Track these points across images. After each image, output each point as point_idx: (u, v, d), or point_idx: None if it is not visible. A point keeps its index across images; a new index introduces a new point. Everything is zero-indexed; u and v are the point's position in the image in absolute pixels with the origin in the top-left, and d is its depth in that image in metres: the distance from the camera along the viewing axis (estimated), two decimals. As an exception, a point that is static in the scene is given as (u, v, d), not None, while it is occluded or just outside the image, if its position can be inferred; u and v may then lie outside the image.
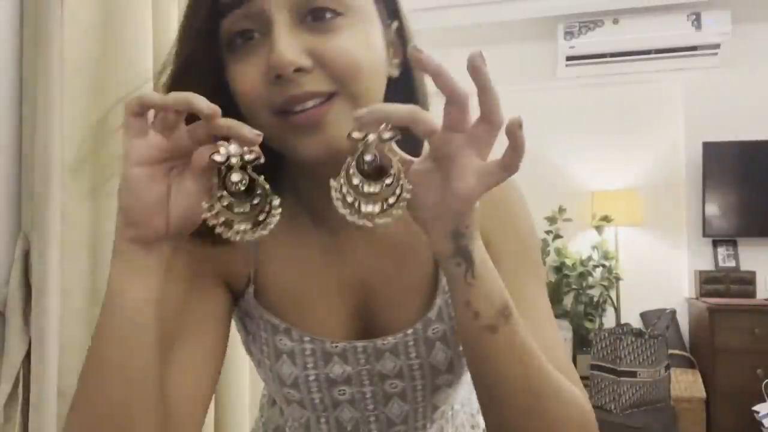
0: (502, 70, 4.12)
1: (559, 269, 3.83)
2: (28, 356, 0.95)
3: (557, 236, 3.88)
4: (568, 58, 3.69)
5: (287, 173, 0.60)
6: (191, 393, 0.57)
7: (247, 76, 0.51)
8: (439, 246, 0.47)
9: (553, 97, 4.05)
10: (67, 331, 1.02)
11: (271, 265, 0.63)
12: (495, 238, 0.59)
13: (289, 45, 0.48)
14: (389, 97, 0.54)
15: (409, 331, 0.62)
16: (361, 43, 0.51)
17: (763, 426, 2.44)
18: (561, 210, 3.89)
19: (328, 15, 0.50)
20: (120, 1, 1.15)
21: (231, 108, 0.50)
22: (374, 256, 0.61)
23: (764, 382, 2.92)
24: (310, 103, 0.49)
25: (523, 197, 0.63)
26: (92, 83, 1.11)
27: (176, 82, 0.53)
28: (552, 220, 3.89)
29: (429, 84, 0.50)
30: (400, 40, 0.57)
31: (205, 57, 0.52)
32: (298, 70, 0.48)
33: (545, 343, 0.53)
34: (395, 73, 0.56)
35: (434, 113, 0.48)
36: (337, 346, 0.63)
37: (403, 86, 0.57)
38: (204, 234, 0.51)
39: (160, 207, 0.47)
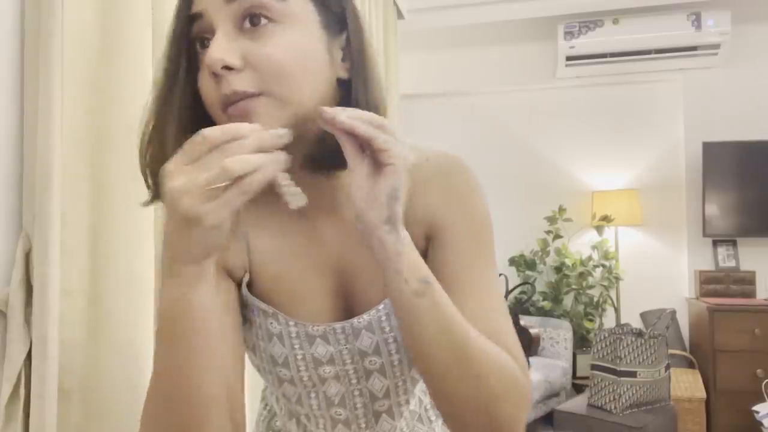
0: (502, 70, 4.15)
1: (559, 269, 3.84)
2: (29, 356, 0.95)
3: (557, 236, 3.89)
4: (568, 58, 3.69)
5: None
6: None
7: (203, 78, 0.59)
8: (379, 212, 0.54)
9: (553, 97, 4.05)
10: (68, 331, 1.03)
11: (259, 255, 0.69)
12: (449, 223, 0.66)
13: (221, 46, 0.55)
14: (342, 94, 0.62)
15: (381, 306, 0.68)
16: (291, 50, 0.57)
17: (763, 426, 2.45)
18: (561, 210, 3.89)
19: (263, 21, 0.56)
20: (120, 0, 1.15)
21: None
22: (347, 240, 0.68)
23: (764, 382, 2.93)
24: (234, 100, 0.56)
25: (478, 185, 0.68)
26: (92, 83, 1.11)
27: (167, 77, 0.61)
28: (552, 220, 3.90)
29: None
30: (350, 46, 0.63)
31: (183, 60, 0.60)
32: (227, 68, 0.55)
33: (487, 314, 0.63)
34: (344, 75, 0.63)
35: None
36: (318, 329, 0.68)
37: (355, 87, 0.63)
38: None
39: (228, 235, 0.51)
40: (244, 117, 0.56)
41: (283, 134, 0.51)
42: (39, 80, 0.98)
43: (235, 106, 0.56)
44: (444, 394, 0.59)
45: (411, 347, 0.59)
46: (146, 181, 0.64)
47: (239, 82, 0.56)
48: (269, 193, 0.68)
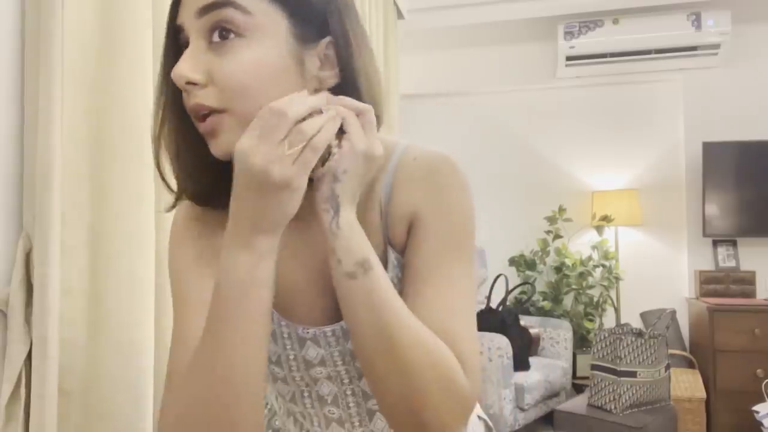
0: (502, 70, 4.15)
1: (559, 269, 3.84)
2: (29, 356, 0.95)
3: (557, 236, 3.89)
4: (568, 58, 3.69)
5: None
6: None
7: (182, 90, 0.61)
8: (320, 191, 0.58)
9: (553, 97, 4.05)
10: (68, 331, 1.03)
11: None
12: (425, 216, 0.66)
13: (186, 62, 0.57)
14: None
15: None
16: (252, 67, 0.58)
17: (763, 426, 2.45)
18: (561, 210, 3.90)
19: (231, 36, 0.57)
20: (120, 0, 1.15)
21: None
22: None
23: (764, 382, 2.93)
24: (205, 115, 0.59)
25: (464, 185, 0.68)
26: (92, 83, 1.11)
27: (160, 85, 0.63)
28: (552, 220, 3.90)
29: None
30: (336, 52, 0.62)
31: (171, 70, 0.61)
32: (191, 83, 0.58)
33: (446, 312, 0.61)
34: (330, 83, 0.63)
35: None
36: (308, 332, 0.69)
37: (345, 92, 0.63)
38: (207, 200, 0.65)
39: None
40: (211, 134, 0.59)
41: (323, 96, 0.57)
42: (39, 80, 0.98)
43: (202, 124, 0.59)
44: (373, 385, 0.59)
45: (348, 329, 0.60)
46: (167, 185, 0.66)
47: (203, 97, 0.58)
48: None
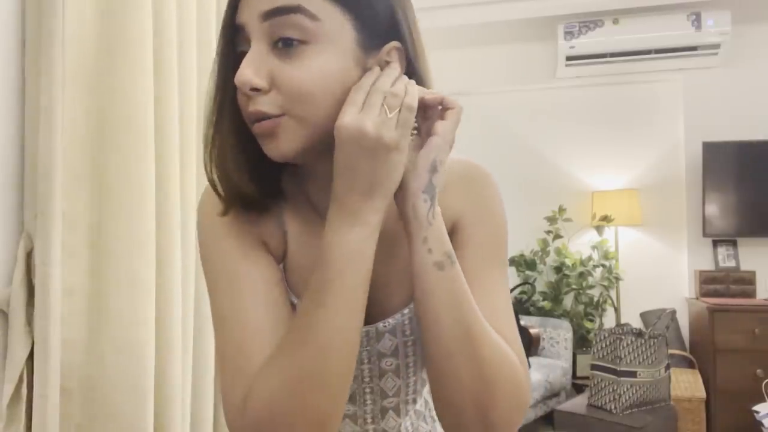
0: (502, 70, 4.15)
1: (559, 269, 3.84)
2: (31, 356, 0.95)
3: (557, 236, 3.89)
4: (568, 58, 3.69)
5: (299, 180, 0.69)
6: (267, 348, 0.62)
7: (240, 92, 0.60)
8: (419, 180, 0.59)
9: (553, 97, 4.05)
10: (69, 331, 1.03)
11: (293, 250, 0.69)
12: (470, 224, 0.68)
13: (250, 67, 0.57)
14: None
15: (405, 311, 0.69)
16: (318, 74, 0.58)
17: (763, 426, 2.45)
18: (561, 210, 3.90)
19: (295, 43, 0.57)
20: (120, 1, 1.15)
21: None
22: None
23: (764, 382, 2.93)
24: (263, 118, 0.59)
25: (498, 191, 0.71)
26: (92, 83, 1.11)
27: (218, 85, 0.63)
28: (552, 220, 3.90)
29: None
30: (400, 55, 0.63)
31: (231, 71, 0.60)
32: (255, 89, 0.57)
33: (495, 313, 0.63)
34: None
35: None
36: None
37: None
38: (247, 204, 0.64)
39: None
40: (268, 136, 0.59)
41: (397, 63, 0.61)
42: (40, 80, 0.98)
43: (259, 125, 0.59)
44: (445, 375, 0.59)
45: (422, 321, 0.60)
46: (216, 190, 0.64)
47: (264, 104, 0.58)
48: (306, 201, 0.68)
